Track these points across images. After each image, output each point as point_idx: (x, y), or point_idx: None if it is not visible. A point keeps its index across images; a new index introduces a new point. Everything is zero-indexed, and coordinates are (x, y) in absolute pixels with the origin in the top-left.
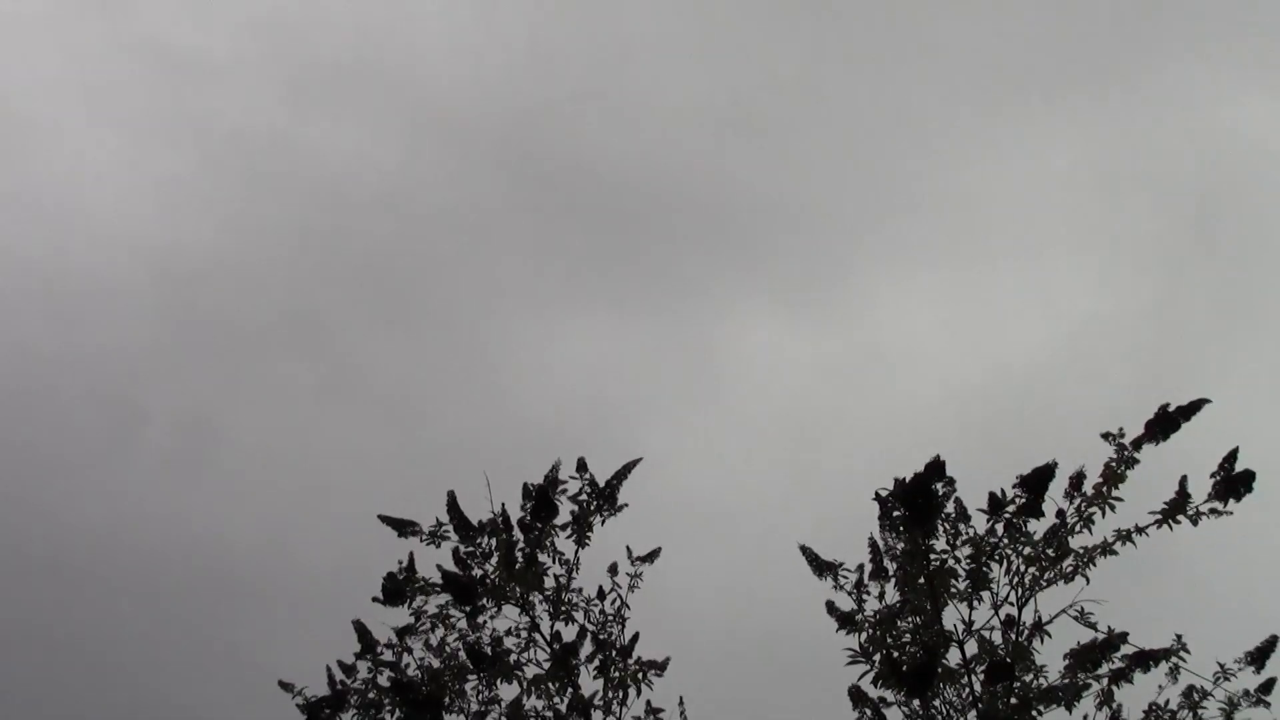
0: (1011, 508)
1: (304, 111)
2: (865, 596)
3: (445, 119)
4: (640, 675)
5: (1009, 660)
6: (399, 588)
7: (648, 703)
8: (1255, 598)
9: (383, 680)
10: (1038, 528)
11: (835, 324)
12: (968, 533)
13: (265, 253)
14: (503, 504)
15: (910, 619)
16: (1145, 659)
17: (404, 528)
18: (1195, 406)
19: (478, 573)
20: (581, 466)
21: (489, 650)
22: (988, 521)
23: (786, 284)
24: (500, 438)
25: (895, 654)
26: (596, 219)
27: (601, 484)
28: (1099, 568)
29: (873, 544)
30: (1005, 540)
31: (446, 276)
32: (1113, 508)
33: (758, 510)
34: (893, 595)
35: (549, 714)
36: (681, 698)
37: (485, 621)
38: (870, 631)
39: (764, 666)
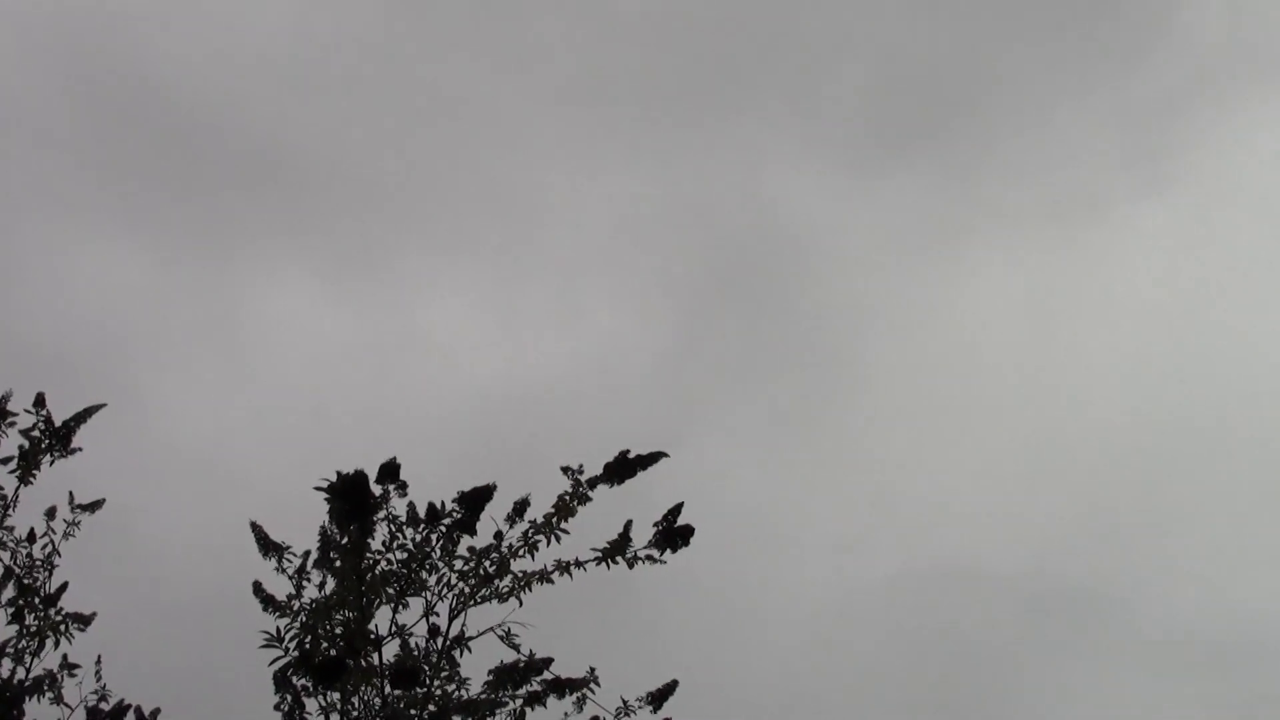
0: (448, 521)
1: None
2: (305, 583)
3: None
4: (63, 627)
5: (412, 667)
6: None
7: (64, 656)
8: (703, 643)
9: None
10: (479, 544)
11: (373, 305)
12: (413, 538)
13: None
14: None
15: (344, 613)
16: (561, 686)
17: None
18: (654, 458)
19: None
20: (39, 402)
21: None
22: (423, 530)
23: (332, 255)
24: None
25: (314, 644)
26: (150, 140)
27: (59, 423)
28: (565, 594)
29: (323, 533)
30: (440, 551)
31: None
32: (558, 539)
33: (260, 477)
34: (334, 586)
35: None
36: (100, 656)
37: None
38: (303, 619)
39: (223, 634)
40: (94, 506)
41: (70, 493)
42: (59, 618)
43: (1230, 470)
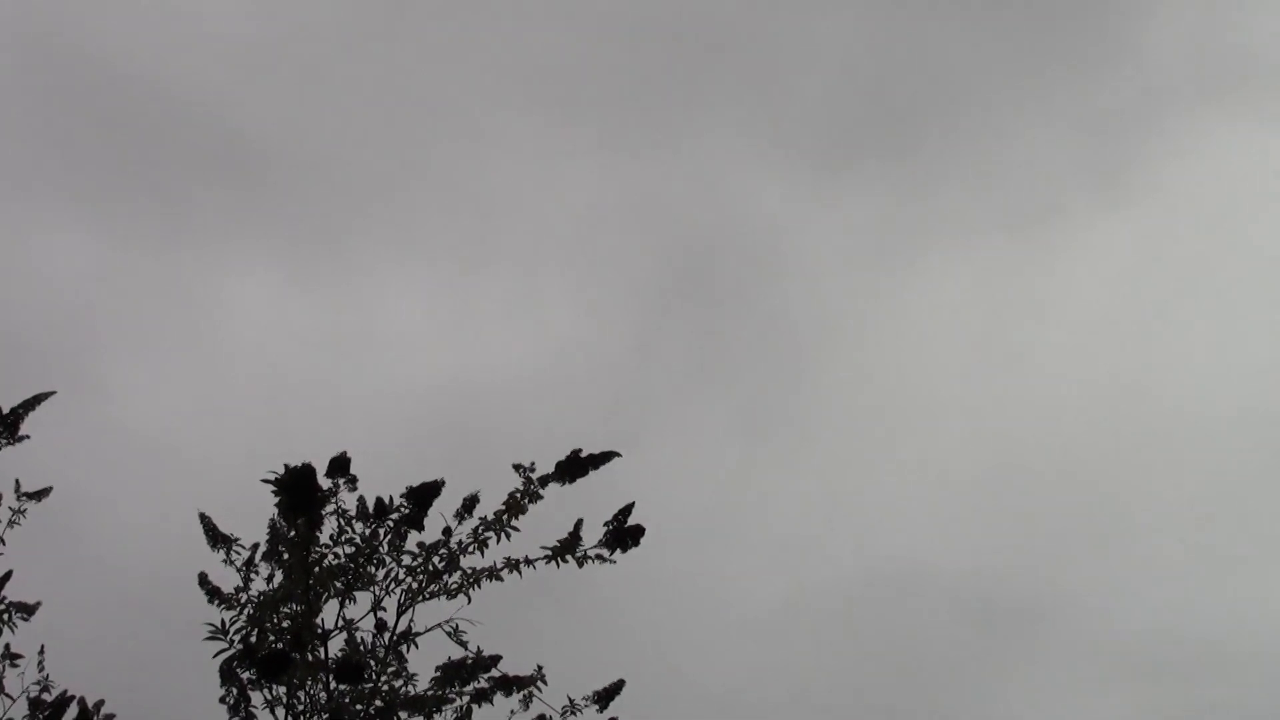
0: (395, 516)
1: None
2: (254, 576)
3: None
4: (5, 616)
5: (358, 662)
6: None
7: (6, 645)
8: (656, 643)
9: None
10: (428, 540)
11: (332, 297)
12: (361, 533)
13: None
14: None
15: (292, 606)
16: (509, 683)
17: None
18: (606, 457)
19: None
20: None
21: None
22: (370, 525)
23: (293, 246)
24: None
25: (260, 637)
26: (114, 126)
27: (6, 410)
28: (515, 592)
29: (272, 525)
30: (387, 546)
31: None
32: (508, 535)
33: (217, 467)
34: (281, 579)
35: None
36: (43, 646)
37: None
38: (249, 612)
39: (172, 625)
40: (40, 495)
41: (16, 480)
42: (1, 606)
43: (1181, 481)
